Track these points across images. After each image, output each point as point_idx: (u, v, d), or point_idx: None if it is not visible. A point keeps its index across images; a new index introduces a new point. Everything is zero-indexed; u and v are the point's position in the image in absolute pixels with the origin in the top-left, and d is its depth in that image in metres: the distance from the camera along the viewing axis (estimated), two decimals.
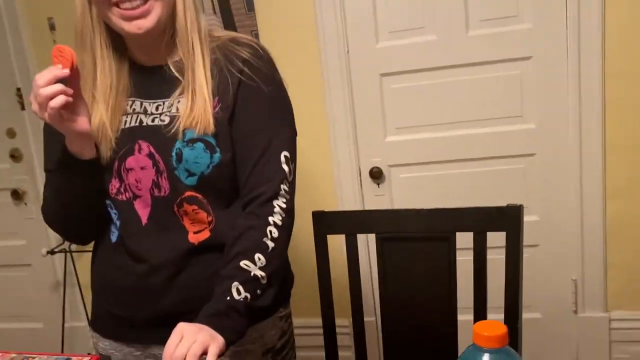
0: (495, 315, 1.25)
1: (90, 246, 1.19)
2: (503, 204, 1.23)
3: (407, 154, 2.08)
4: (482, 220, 1.22)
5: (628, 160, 1.92)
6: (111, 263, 1.12)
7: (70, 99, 0.94)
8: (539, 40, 1.91)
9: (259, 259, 0.98)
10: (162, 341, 1.09)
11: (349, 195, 2.14)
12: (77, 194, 1.06)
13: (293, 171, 1.07)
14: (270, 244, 1.00)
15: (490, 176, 2.04)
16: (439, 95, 2.01)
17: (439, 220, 1.25)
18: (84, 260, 2.43)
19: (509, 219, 1.21)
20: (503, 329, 0.72)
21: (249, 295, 0.96)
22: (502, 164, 2.02)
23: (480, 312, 1.24)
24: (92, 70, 1.05)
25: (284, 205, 1.03)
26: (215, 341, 0.89)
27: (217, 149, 1.03)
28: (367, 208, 2.13)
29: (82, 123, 0.99)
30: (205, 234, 1.07)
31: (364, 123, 2.09)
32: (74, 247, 2.39)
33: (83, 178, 1.05)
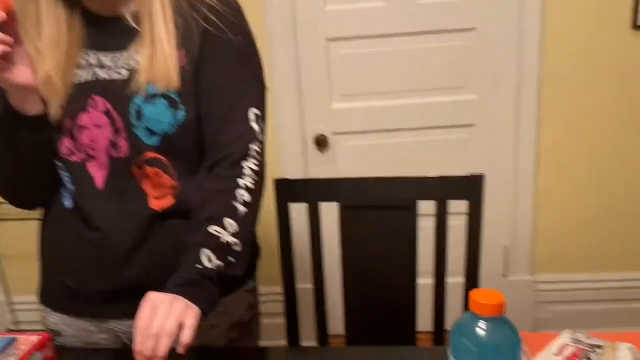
0: (454, 279, 1.30)
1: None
2: (444, 173, 1.24)
3: (353, 122, 2.07)
4: (445, 189, 1.24)
5: (560, 133, 2.03)
6: (64, 231, 1.02)
7: (9, 48, 0.84)
8: (483, 12, 1.94)
9: (230, 225, 0.93)
10: (122, 315, 1.03)
11: (293, 162, 2.10)
12: (23, 153, 0.96)
13: (264, 130, 1.01)
14: (242, 209, 0.95)
15: (433, 146, 2.07)
16: (385, 63, 2.01)
17: (402, 189, 1.25)
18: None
19: (471, 188, 1.23)
20: (500, 298, 0.73)
21: (220, 264, 0.91)
22: (444, 134, 2.07)
23: (440, 277, 1.27)
24: (35, 19, 0.94)
25: (254, 167, 0.98)
26: (191, 312, 0.84)
27: (182, 107, 0.95)
28: (311, 176, 2.11)
29: (22, 75, 0.89)
30: (170, 201, 1.00)
31: (310, 89, 2.05)
32: None
33: (29, 136, 0.95)
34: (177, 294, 0.86)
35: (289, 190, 1.27)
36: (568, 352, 0.87)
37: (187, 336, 0.81)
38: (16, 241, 2.16)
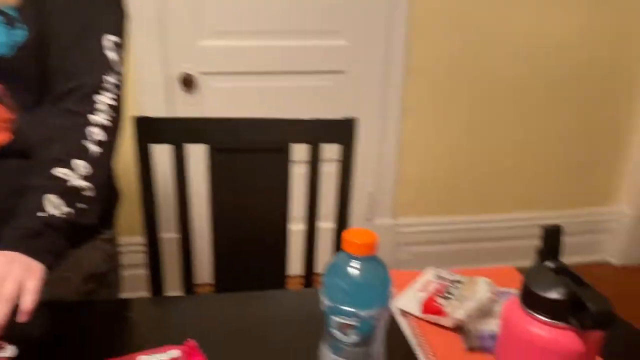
0: (324, 223, 1.30)
1: None
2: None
3: (222, 62, 1.96)
4: (318, 131, 1.21)
5: (424, 82, 2.10)
6: None
7: None
8: None
9: (80, 167, 0.83)
10: None
11: (154, 103, 1.95)
12: None
13: (122, 60, 0.90)
14: (94, 149, 0.85)
15: (303, 91, 2.04)
16: (257, 1, 1.91)
17: (275, 131, 1.21)
18: None
19: (343, 131, 1.22)
20: (372, 237, 0.72)
21: (68, 210, 0.81)
22: (315, 79, 2.04)
23: (311, 221, 1.26)
24: None
25: (110, 102, 0.87)
26: (32, 274, 0.74)
27: (21, 25, 0.82)
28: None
29: None
30: (5, 136, 0.86)
31: (175, 22, 1.89)
32: None
33: None
34: (15, 248, 0.75)
35: (150, 130, 1.17)
36: (431, 287, 0.90)
37: (28, 301, 0.71)
38: None
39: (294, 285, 1.31)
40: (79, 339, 0.83)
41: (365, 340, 0.73)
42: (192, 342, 0.76)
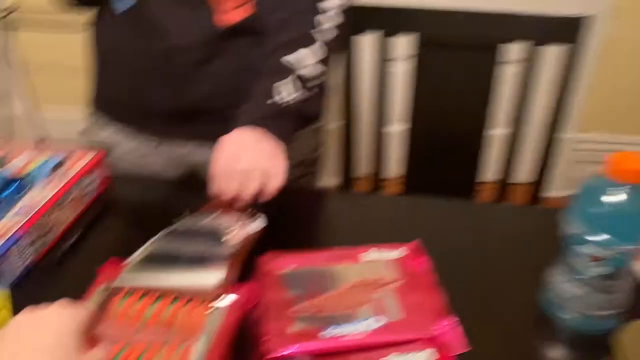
0: (528, 128, 1.20)
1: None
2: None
3: None
4: (541, 29, 1.08)
5: None
6: (120, 39, 0.89)
7: None
8: None
9: (309, 55, 0.81)
10: (185, 136, 0.95)
11: None
12: None
13: None
14: (322, 37, 0.83)
15: None
16: None
17: (490, 26, 1.09)
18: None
19: (571, 30, 1.07)
20: None
21: (297, 96, 0.81)
22: None
23: (516, 127, 1.18)
24: None
25: None
26: (280, 150, 0.76)
27: None
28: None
29: None
30: (245, 11, 0.85)
31: None
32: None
33: None
34: (257, 126, 0.76)
35: (355, 18, 1.10)
36: None
37: (280, 179, 0.72)
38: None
39: (487, 192, 1.25)
40: (302, 226, 0.85)
41: (611, 275, 0.66)
42: (417, 243, 0.74)
